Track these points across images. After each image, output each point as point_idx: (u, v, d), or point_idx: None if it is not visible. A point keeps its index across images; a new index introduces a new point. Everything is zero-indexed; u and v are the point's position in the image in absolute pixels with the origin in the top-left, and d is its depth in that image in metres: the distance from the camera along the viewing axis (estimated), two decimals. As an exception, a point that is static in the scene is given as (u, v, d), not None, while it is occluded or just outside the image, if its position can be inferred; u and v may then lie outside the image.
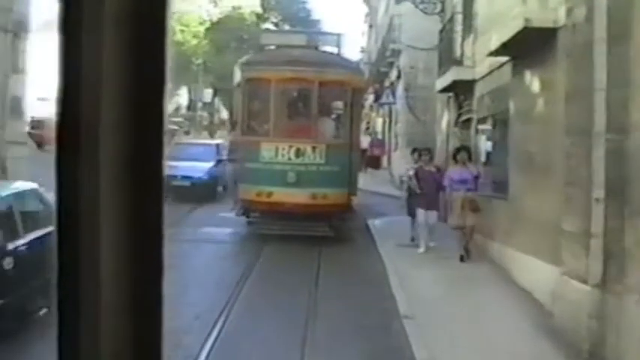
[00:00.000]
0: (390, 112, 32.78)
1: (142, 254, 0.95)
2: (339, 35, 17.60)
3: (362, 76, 19.30)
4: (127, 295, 0.94)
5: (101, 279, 0.92)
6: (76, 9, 0.91)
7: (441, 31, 17.96)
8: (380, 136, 37.55)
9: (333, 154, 14.90)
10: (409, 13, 25.11)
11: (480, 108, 14.27)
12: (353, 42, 76.20)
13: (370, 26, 50.81)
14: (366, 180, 26.83)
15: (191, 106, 50.73)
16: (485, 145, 13.85)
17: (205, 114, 53.17)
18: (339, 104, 16.59)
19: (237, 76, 16.38)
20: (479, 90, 14.41)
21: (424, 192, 13.08)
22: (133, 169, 0.94)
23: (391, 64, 30.56)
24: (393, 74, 30.22)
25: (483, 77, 13.65)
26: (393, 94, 29.01)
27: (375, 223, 16.93)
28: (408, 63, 26.73)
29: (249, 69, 15.98)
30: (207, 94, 47.21)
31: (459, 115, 16.78)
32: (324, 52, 17.24)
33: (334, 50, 17.25)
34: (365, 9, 54.72)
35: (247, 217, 15.34)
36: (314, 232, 14.65)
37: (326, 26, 65.82)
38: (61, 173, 0.94)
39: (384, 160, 33.75)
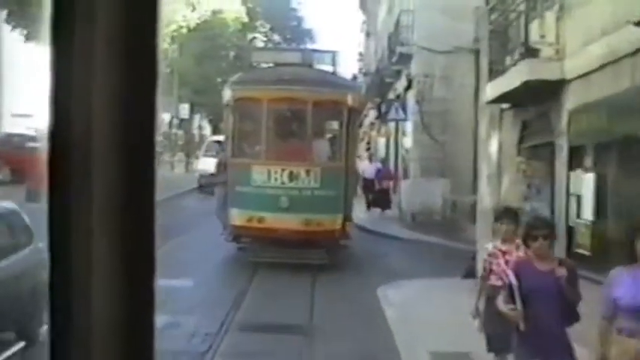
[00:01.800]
0: (397, 130, 24.23)
1: (134, 273, 0.88)
2: (334, 52, 15.45)
3: (359, 94, 16.45)
4: (118, 310, 0.87)
5: (92, 290, 0.86)
6: (67, 27, 0.85)
7: (491, 10, 10.41)
8: (383, 159, 27.85)
9: (328, 177, 12.80)
10: (422, 7, 18.93)
11: (579, 127, 7.58)
12: (348, 53, 70.80)
13: (368, 35, 40.91)
14: (368, 216, 20.13)
15: (172, 123, 40.02)
16: (591, 191, 7.11)
17: (181, 132, 41.19)
18: (335, 125, 14.53)
19: (227, 95, 14.01)
20: (575, 96, 7.76)
21: (533, 321, 4.49)
22: (125, 184, 0.87)
23: (398, 73, 22.48)
24: (401, 84, 22.27)
25: (587, 74, 7.14)
26: (404, 108, 20.52)
27: (389, 297, 9.82)
28: (421, 70, 19.10)
29: (240, 88, 13.79)
30: (184, 109, 37.18)
31: (522, 139, 9.87)
32: (319, 70, 14.64)
33: (329, 68, 14.78)
34: (361, 17, 44.03)
35: (237, 243, 13.10)
36: (308, 260, 12.20)
37: (318, 36, 59.69)
38: (52, 194, 0.87)
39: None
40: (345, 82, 15.32)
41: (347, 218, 13.55)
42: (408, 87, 20.83)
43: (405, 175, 21.30)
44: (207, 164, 21.56)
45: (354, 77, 43.14)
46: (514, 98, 9.50)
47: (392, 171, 23.03)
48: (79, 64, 0.85)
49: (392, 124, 25.09)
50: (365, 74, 36.04)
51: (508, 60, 8.96)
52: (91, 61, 0.85)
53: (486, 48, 10.31)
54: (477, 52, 16.86)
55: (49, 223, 0.88)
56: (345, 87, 14.44)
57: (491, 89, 9.83)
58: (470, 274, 9.77)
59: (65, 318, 0.87)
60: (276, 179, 12.61)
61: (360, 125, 37.50)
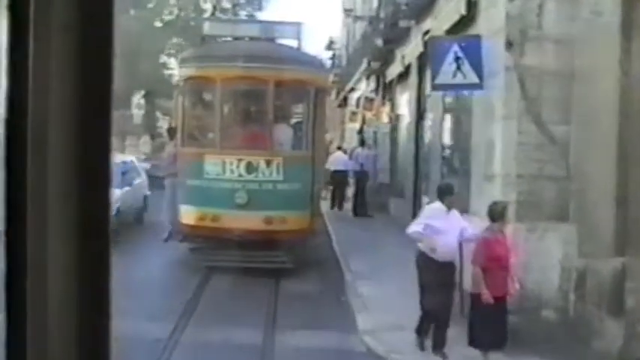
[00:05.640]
0: (420, 107, 16.80)
1: (89, 254, 1.03)
2: (298, 24, 15.45)
3: (326, 73, 16.54)
4: (74, 296, 1.03)
5: (49, 278, 1.02)
6: (24, 16, 1.01)
7: None
8: (382, 158, 21.54)
9: (293, 168, 12.92)
10: None
11: None
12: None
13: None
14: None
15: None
16: None
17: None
18: (300, 108, 14.69)
19: (176, 74, 14.25)
20: None
21: None
22: (80, 171, 1.03)
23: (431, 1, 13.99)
24: (441, 20, 13.11)
25: None
26: (474, 63, 9.85)
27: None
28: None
29: (190, 66, 13.85)
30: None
31: None
32: (281, 44, 14.89)
33: (294, 42, 14.96)
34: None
35: (189, 243, 13.19)
36: (270, 265, 12.36)
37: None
38: (9, 176, 1.02)
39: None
40: (312, 59, 15.61)
41: (314, 215, 13.92)
42: (467, 18, 11.52)
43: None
44: None
45: (331, 42, 43.04)
46: None
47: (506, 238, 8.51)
48: (36, 53, 0.97)
49: (404, 97, 18.17)
50: (356, 19, 28.28)
51: None
52: (48, 49, 0.97)
53: None
54: None
55: (6, 211, 0.99)
56: (311, 64, 14.69)
57: None
58: None
59: (21, 304, 0.99)
60: (232, 171, 12.73)
61: (344, 102, 36.61)
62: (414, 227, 8.59)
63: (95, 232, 1.06)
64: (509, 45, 9.64)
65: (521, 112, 9.62)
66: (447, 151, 14.03)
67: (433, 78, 10.63)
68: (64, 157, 1.03)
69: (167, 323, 9.15)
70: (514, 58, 9.57)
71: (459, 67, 10.19)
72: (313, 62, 15.30)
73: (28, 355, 1.03)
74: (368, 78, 24.74)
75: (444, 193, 8.80)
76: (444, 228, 8.48)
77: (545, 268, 9.49)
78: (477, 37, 10.37)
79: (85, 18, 1.03)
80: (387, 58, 20.35)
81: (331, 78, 28.94)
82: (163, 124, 34.26)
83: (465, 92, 11.03)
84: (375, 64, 22.07)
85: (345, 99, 34.00)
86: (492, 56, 9.88)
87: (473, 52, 10.09)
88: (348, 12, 31.69)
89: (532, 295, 9.33)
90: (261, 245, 12.41)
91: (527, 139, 9.57)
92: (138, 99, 38.39)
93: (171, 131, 16.29)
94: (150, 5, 35.06)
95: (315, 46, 48.19)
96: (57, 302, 1.03)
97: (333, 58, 40.18)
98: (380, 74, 22.29)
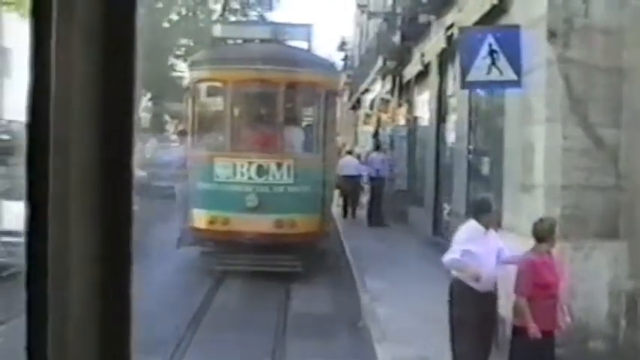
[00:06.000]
0: (441, 108, 15.77)
1: (111, 255, 1.03)
2: (309, 26, 15.46)
3: (337, 75, 16.53)
4: (95, 297, 1.02)
5: (70, 281, 1.01)
6: (46, 19, 1.00)
7: None
8: (399, 163, 20.40)
9: (303, 171, 12.84)
10: None
11: None
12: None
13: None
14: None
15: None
16: None
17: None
18: (310, 111, 14.49)
19: (187, 76, 14.22)
20: None
21: None
22: (102, 174, 1.02)
23: None
24: (469, 13, 11.86)
25: None
26: (511, 55, 8.73)
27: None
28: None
29: (201, 68, 13.88)
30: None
31: None
32: (292, 47, 14.86)
33: (304, 45, 14.96)
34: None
35: (200, 246, 13.09)
36: (280, 268, 12.34)
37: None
38: (31, 178, 1.02)
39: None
40: (322, 62, 15.55)
41: (325, 218, 13.81)
42: (499, 8, 10.45)
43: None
44: None
45: (343, 43, 42.72)
46: None
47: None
48: (58, 56, 0.98)
49: (422, 98, 17.45)
50: (371, 15, 26.76)
51: None
52: (70, 52, 0.98)
53: None
54: None
55: (28, 212, 1.01)
56: (321, 67, 14.60)
57: None
58: None
59: (42, 304, 1.00)
60: (242, 174, 12.67)
61: (357, 104, 36.05)
62: (451, 255, 7.18)
63: (116, 235, 1.05)
64: (551, 36, 8.28)
65: (565, 114, 8.22)
66: (473, 156, 12.89)
67: (464, 75, 9.38)
68: (86, 161, 1.02)
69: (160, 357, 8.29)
70: (557, 51, 8.24)
71: (493, 62, 8.93)
72: (324, 64, 15.21)
73: (49, 355, 1.02)
74: (383, 78, 23.49)
75: (480, 210, 7.37)
76: (482, 252, 7.08)
77: (592, 292, 8.18)
78: (516, 27, 9.12)
79: (108, 21, 1.02)
80: (404, 57, 19.30)
81: (343, 79, 28.56)
82: (171, 127, 33.50)
83: (495, 90, 9.94)
84: (390, 64, 20.81)
85: (359, 101, 33.02)
86: (531, 49, 8.62)
87: (510, 45, 8.84)
88: (362, 8, 29.74)
89: (579, 324, 7.85)
90: (271, 248, 12.36)
91: (573, 144, 8.19)
92: (145, 102, 37.18)
93: (182, 134, 16.25)
94: (158, 5, 34.60)
95: (326, 47, 47.68)
96: (78, 305, 1.03)
97: (345, 59, 39.74)
98: (396, 74, 21.00)
